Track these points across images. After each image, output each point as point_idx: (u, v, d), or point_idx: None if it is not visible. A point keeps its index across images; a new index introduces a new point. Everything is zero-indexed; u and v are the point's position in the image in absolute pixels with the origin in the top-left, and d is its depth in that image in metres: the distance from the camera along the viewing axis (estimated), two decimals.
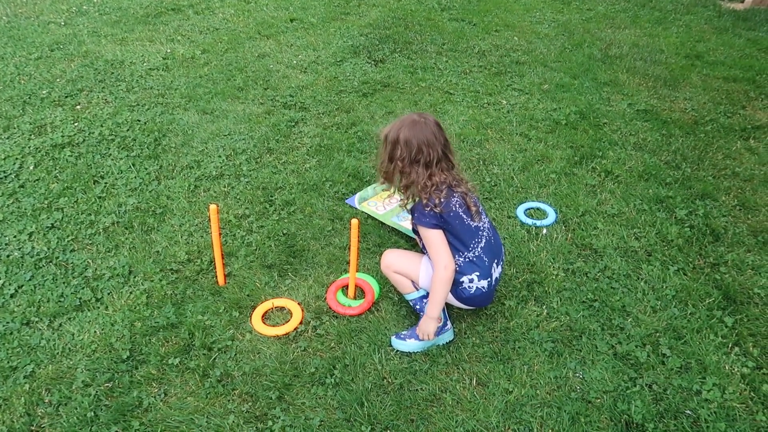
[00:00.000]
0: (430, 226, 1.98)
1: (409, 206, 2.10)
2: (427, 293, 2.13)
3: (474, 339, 2.19)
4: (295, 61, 4.62)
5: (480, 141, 3.52)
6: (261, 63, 4.57)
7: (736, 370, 2.09)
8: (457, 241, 2.02)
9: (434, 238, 1.99)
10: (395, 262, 2.18)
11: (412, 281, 2.16)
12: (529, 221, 2.82)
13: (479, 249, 2.04)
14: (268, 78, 4.32)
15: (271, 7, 5.86)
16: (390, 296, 2.38)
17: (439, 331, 2.13)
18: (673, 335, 2.23)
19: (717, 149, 3.54)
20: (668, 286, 2.47)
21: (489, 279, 2.06)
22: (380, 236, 2.72)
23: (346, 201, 2.96)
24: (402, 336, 2.15)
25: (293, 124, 3.70)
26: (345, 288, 2.40)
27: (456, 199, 2.01)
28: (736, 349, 2.18)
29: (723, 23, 5.84)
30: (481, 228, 2.06)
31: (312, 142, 3.49)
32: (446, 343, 2.17)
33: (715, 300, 2.40)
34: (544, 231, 2.76)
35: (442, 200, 1.97)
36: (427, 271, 2.09)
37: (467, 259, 2.03)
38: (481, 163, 3.30)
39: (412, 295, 2.18)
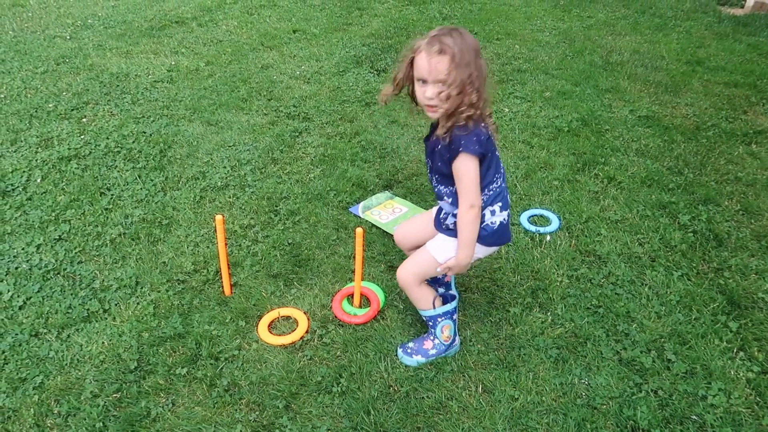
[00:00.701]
0: (477, 154, 1.80)
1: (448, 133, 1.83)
2: (446, 312, 2.09)
3: (479, 346, 2.20)
4: (298, 72, 4.66)
5: None
6: (264, 74, 4.61)
7: (741, 374, 2.09)
8: (489, 171, 1.89)
9: (474, 170, 1.82)
10: (411, 272, 2.05)
11: (433, 300, 2.09)
12: (533, 228, 2.83)
13: (502, 179, 1.97)
14: (272, 89, 4.36)
15: (274, 19, 5.91)
16: (395, 304, 2.40)
17: (446, 348, 2.14)
18: (677, 340, 2.23)
19: (719, 154, 3.55)
20: (672, 291, 2.47)
21: (509, 210, 2.01)
22: (384, 245, 2.74)
23: (350, 209, 2.98)
24: (408, 351, 2.14)
25: (297, 134, 3.73)
26: (350, 297, 2.41)
27: (489, 121, 1.89)
28: (741, 353, 2.18)
29: (723, 29, 5.86)
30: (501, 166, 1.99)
31: (316, 152, 3.52)
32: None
33: (720, 305, 2.40)
34: (548, 238, 2.78)
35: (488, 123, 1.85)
36: (444, 248, 2.00)
37: (492, 191, 1.93)
38: None
39: (429, 312, 2.10)
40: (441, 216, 2.04)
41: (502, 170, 1.97)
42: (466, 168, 1.82)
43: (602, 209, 3.00)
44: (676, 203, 3.05)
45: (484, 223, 1.96)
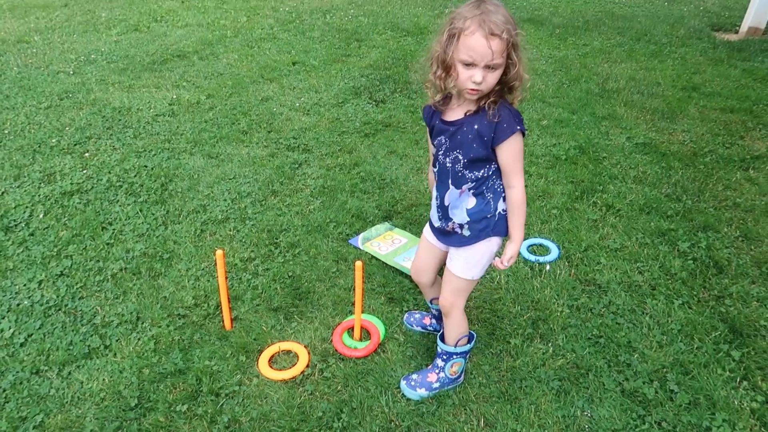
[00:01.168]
0: (524, 132, 1.75)
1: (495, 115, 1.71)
2: (463, 351, 2.07)
3: (480, 379, 2.19)
4: (297, 104, 4.72)
5: None
6: (264, 106, 4.67)
7: (745, 404, 2.08)
8: None
9: (522, 149, 1.75)
10: (453, 294, 1.96)
11: (461, 338, 2.05)
12: (533, 258, 2.84)
13: None
14: (272, 121, 4.41)
15: (274, 51, 6.01)
16: (395, 337, 2.39)
17: (450, 382, 2.13)
18: (680, 370, 2.22)
19: (717, 180, 3.57)
20: (673, 320, 2.47)
21: None
22: (384, 276, 2.74)
23: (350, 241, 2.99)
24: (412, 384, 2.11)
25: (297, 165, 3.76)
26: (351, 330, 2.41)
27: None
28: (745, 383, 2.17)
29: (718, 54, 5.94)
30: None
31: (315, 184, 3.54)
32: None
33: (721, 333, 2.39)
34: (548, 267, 2.78)
35: None
36: (468, 265, 1.91)
37: None
38: None
39: (450, 347, 2.05)
40: (444, 223, 1.91)
41: None
42: (520, 147, 1.75)
43: (601, 237, 3.01)
44: (675, 230, 3.05)
45: (498, 210, 1.86)
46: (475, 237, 1.88)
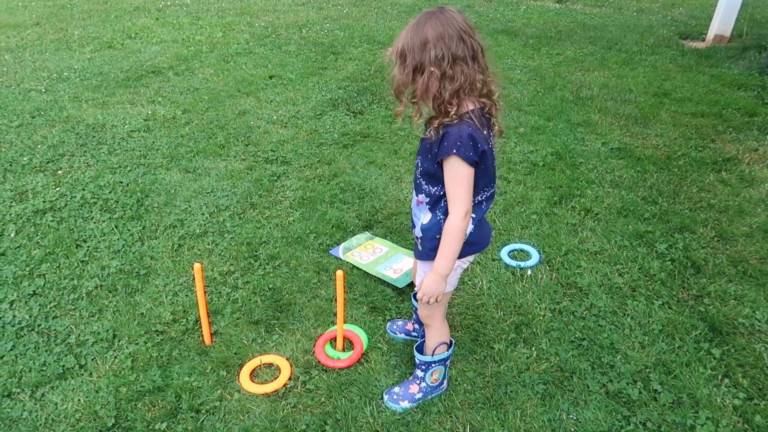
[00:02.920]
0: (471, 162, 1.62)
1: (439, 129, 1.65)
2: (441, 359, 2.05)
3: (465, 385, 2.17)
4: (275, 117, 4.70)
5: None
6: (242, 120, 4.64)
7: (727, 402, 2.09)
8: (479, 182, 1.71)
9: (468, 178, 1.64)
10: (423, 307, 1.92)
11: (438, 346, 2.03)
12: (514, 263, 2.84)
13: (488, 194, 1.81)
14: (249, 134, 4.38)
15: (250, 66, 5.99)
16: (379, 346, 2.37)
17: (433, 390, 2.11)
18: (662, 370, 2.23)
19: (691, 183, 3.62)
20: (654, 320, 2.48)
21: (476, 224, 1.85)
22: (366, 286, 2.72)
23: (330, 251, 2.97)
24: (395, 398, 2.09)
25: (275, 178, 3.73)
26: (333, 340, 2.38)
27: (494, 131, 1.73)
28: (726, 380, 2.18)
29: (687, 61, 6.07)
30: (495, 172, 1.81)
31: (295, 195, 3.52)
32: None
33: (702, 332, 2.41)
34: (529, 272, 2.79)
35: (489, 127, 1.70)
36: (422, 278, 1.87)
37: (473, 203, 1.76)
38: None
39: (427, 357, 2.03)
40: (413, 227, 1.88)
41: (493, 186, 1.82)
42: (457, 174, 1.64)
43: (581, 241, 3.03)
44: (652, 232, 3.09)
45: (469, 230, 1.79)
46: (426, 255, 1.84)
